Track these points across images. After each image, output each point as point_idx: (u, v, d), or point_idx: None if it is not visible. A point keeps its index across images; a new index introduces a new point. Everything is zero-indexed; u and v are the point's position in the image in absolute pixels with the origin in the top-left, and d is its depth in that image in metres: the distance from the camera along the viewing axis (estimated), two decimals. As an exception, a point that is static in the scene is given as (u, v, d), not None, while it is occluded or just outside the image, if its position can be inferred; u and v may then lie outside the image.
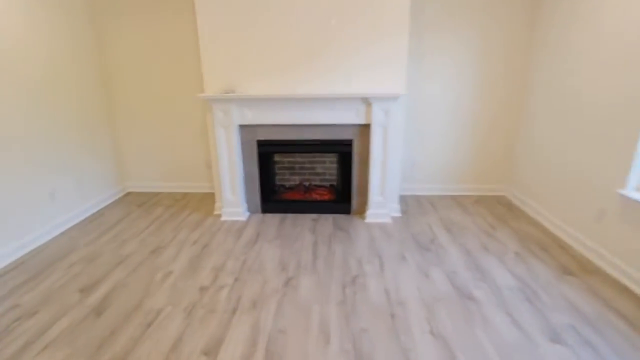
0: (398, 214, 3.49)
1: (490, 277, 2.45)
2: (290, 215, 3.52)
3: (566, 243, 2.90)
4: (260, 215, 3.52)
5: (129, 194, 4.19)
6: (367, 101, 3.07)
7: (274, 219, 3.45)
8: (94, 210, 3.64)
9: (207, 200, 3.96)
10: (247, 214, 3.55)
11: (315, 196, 3.64)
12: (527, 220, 3.35)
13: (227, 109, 3.13)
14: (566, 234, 2.94)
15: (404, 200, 3.84)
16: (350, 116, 3.15)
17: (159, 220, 3.44)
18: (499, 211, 3.58)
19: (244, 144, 3.35)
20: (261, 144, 3.34)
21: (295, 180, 3.83)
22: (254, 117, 3.20)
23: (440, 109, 3.79)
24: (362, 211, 3.51)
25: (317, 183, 3.85)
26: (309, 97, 3.01)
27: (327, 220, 3.39)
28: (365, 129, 3.24)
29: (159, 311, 2.15)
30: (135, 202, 3.92)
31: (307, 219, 3.45)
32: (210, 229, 3.24)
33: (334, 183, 3.83)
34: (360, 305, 2.19)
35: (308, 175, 3.82)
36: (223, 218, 3.45)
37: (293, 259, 2.71)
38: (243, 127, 3.30)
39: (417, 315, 2.10)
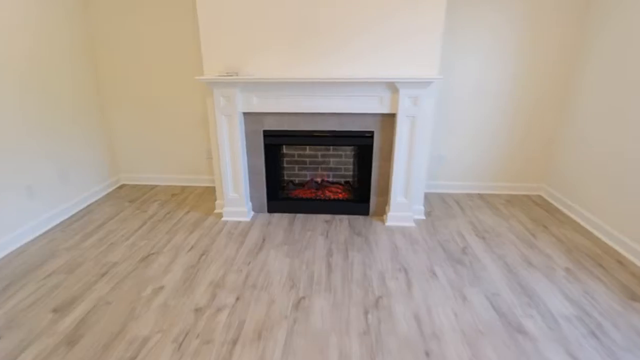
0: (422, 217, 3.08)
1: (540, 302, 2.05)
2: (300, 216, 3.12)
3: (625, 258, 2.47)
4: (266, 216, 3.13)
5: (122, 186, 3.81)
6: (393, 87, 2.61)
7: (281, 220, 3.06)
8: (81, 207, 3.27)
9: (207, 195, 3.57)
10: (252, 213, 3.16)
11: (328, 194, 3.23)
12: (572, 226, 2.92)
13: (229, 94, 2.70)
14: (624, 247, 2.51)
15: (426, 199, 3.42)
16: (372, 104, 2.70)
17: (152, 219, 3.06)
18: (537, 214, 3.15)
19: (248, 135, 2.93)
20: (268, 135, 2.92)
21: (305, 175, 3.42)
22: (260, 103, 2.77)
23: (473, 96, 3.32)
24: (381, 213, 3.10)
25: (331, 180, 3.43)
26: (325, 81, 2.56)
27: (342, 223, 2.99)
28: (389, 119, 2.79)
29: (144, 340, 1.79)
30: (128, 196, 3.55)
31: (319, 220, 3.05)
32: (209, 231, 2.86)
33: (350, 180, 3.41)
34: (386, 338, 1.81)
35: (320, 171, 3.40)
36: (224, 218, 3.06)
37: (304, 272, 2.32)
38: (248, 115, 2.87)
39: (457, 354, 1.71)
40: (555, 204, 3.35)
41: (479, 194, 3.62)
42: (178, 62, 3.39)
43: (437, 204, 3.36)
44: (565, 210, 3.19)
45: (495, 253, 2.53)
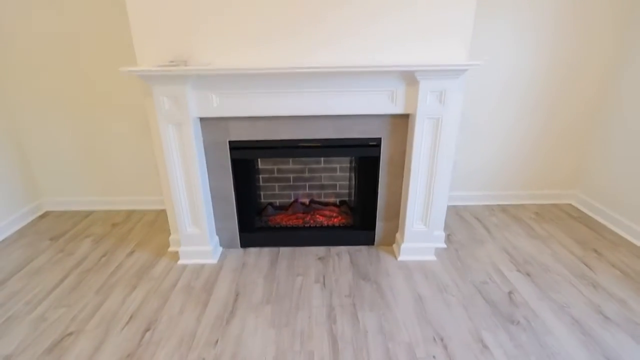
0: (442, 244, 2.39)
1: (648, 390, 1.41)
2: (284, 251, 2.36)
3: None
4: (239, 253, 2.34)
5: (45, 215, 2.89)
6: (410, 78, 1.87)
7: (260, 258, 2.28)
8: (-23, 253, 2.35)
9: (160, 224, 2.73)
10: (220, 250, 2.36)
11: (320, 219, 2.48)
12: (628, 248, 2.33)
13: (176, 93, 1.86)
14: None
15: (441, 217, 2.74)
16: (380, 102, 1.95)
17: (80, 268, 2.20)
18: (579, 232, 2.54)
19: (208, 148, 2.12)
20: (236, 147, 2.12)
21: (288, 196, 2.64)
22: (223, 104, 1.95)
23: (498, 93, 2.64)
24: (390, 241, 2.39)
25: (322, 200, 2.67)
26: (315, 71, 1.78)
27: (341, 259, 2.26)
28: (401, 122, 2.06)
29: None
30: (51, 230, 2.64)
31: (311, 256, 2.30)
32: (160, 285, 2.05)
33: (346, 199, 2.67)
34: None
35: (308, 189, 2.63)
36: (182, 261, 2.25)
37: (299, 356, 1.58)
38: (206, 122, 2.05)
39: None
40: (592, 214, 2.76)
41: (499, 205, 2.98)
42: (113, 51, 2.49)
43: (455, 223, 2.69)
44: (608, 224, 2.61)
45: (553, 301, 1.88)
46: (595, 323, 1.73)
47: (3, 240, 2.51)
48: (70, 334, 1.70)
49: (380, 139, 2.10)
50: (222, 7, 1.79)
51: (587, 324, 1.72)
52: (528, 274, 2.09)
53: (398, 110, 1.97)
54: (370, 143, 2.11)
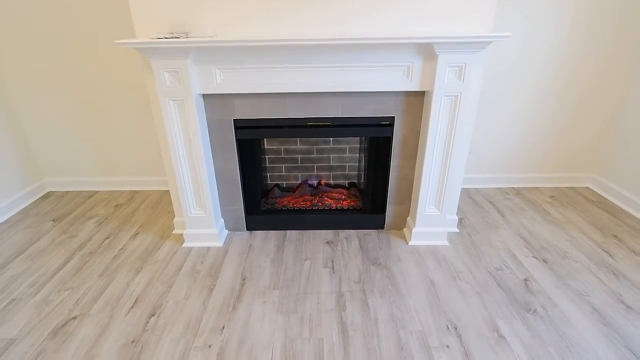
0: (455, 229, 2.31)
1: (674, 385, 1.35)
2: (291, 235, 2.29)
3: None
4: (245, 236, 2.28)
5: (47, 195, 2.84)
6: (428, 51, 1.73)
7: (266, 242, 2.22)
8: (-21, 234, 2.32)
9: (164, 205, 2.67)
10: (225, 233, 2.30)
11: (328, 202, 2.40)
12: (650, 236, 2.23)
13: (177, 67, 1.75)
14: None
15: (453, 200, 2.65)
16: (394, 78, 1.82)
17: (83, 250, 2.15)
18: (597, 216, 2.44)
19: (212, 126, 2.02)
20: (241, 126, 2.01)
21: (296, 178, 2.55)
22: (227, 80, 1.84)
23: (513, 69, 2.48)
24: (400, 225, 2.31)
25: (330, 182, 2.58)
26: (325, 44, 1.65)
27: (350, 244, 2.19)
28: (416, 100, 1.93)
29: None
30: (54, 211, 2.59)
31: (319, 240, 2.23)
32: (165, 268, 2.00)
33: (355, 181, 2.58)
34: None
35: (316, 171, 2.53)
36: (187, 243, 2.19)
37: (307, 343, 1.53)
38: (209, 99, 1.94)
39: None
40: (611, 198, 2.65)
41: (513, 188, 2.88)
42: (112, 24, 2.35)
43: (467, 207, 2.60)
44: (627, 209, 2.50)
45: (571, 289, 1.80)
46: (616, 312, 1.66)
47: (6, 221, 2.47)
48: (74, 318, 1.66)
49: (393, 117, 1.98)
50: (224, -27, 1.65)
51: (607, 314, 1.65)
52: (545, 261, 2.01)
53: (413, 87, 1.84)
54: (383, 122, 1.99)
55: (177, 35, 1.69)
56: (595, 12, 2.33)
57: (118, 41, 1.58)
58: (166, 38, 1.64)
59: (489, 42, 1.63)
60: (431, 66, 1.77)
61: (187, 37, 1.68)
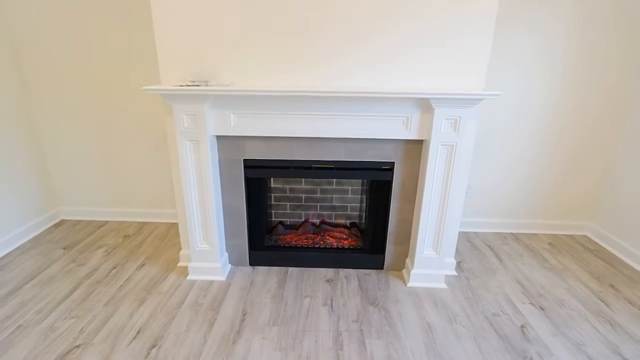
0: (453, 272, 2.36)
1: None
2: (293, 271, 2.35)
3: None
4: (247, 271, 2.34)
5: (60, 223, 2.94)
6: (425, 105, 1.89)
7: (268, 278, 2.28)
8: (-7, 259, 2.40)
9: (171, 238, 2.75)
10: (229, 267, 2.37)
11: (329, 240, 2.47)
12: (647, 287, 2.26)
13: (196, 111, 1.92)
14: None
15: (453, 243, 2.71)
16: (394, 127, 1.97)
17: (90, 279, 2.22)
18: (595, 266, 2.47)
19: (223, 165, 2.15)
20: (250, 166, 2.15)
21: (299, 215, 2.65)
22: (240, 124, 2.00)
23: (509, 116, 2.64)
24: (399, 266, 2.36)
25: (332, 221, 2.68)
26: (332, 95, 1.81)
27: (349, 283, 2.23)
28: (415, 147, 2.07)
29: None
30: (65, 240, 2.68)
31: (319, 278, 2.28)
32: (168, 300, 2.05)
33: (357, 221, 2.67)
34: None
35: (319, 210, 2.64)
36: (191, 276, 2.26)
37: (304, 382, 1.55)
38: (222, 140, 2.10)
39: None
40: (608, 247, 2.69)
41: (512, 233, 2.93)
42: (134, 68, 2.58)
43: (465, 250, 2.65)
44: (625, 259, 2.53)
45: (567, 338, 1.82)
46: (612, 364, 1.66)
47: (18, 248, 2.56)
48: (78, 346, 1.71)
49: (393, 163, 2.11)
50: (239, 31, 1.86)
51: (603, 365, 1.66)
52: (542, 308, 2.04)
53: (412, 136, 1.98)
54: (383, 167, 2.12)
55: (197, 83, 1.87)
56: (585, 66, 2.51)
57: (145, 87, 1.76)
58: (188, 86, 1.82)
59: (481, 99, 1.78)
60: (428, 118, 1.92)
61: (206, 85, 1.86)
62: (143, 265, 2.39)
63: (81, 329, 1.81)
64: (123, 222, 3.01)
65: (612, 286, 2.25)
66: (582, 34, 2.43)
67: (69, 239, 2.71)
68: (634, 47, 2.45)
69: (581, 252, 2.66)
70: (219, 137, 2.09)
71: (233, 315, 1.94)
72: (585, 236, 2.91)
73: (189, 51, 1.90)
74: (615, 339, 1.81)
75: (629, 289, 2.23)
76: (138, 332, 1.81)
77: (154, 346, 1.72)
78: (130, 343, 1.74)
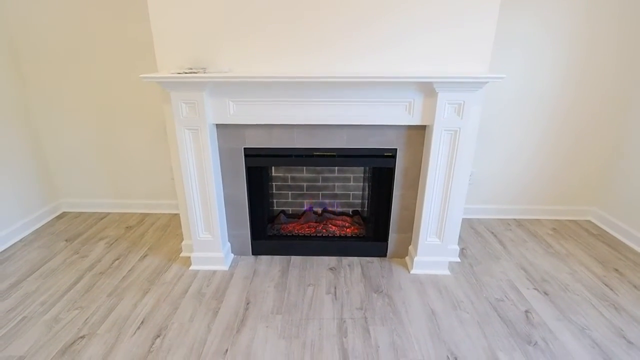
0: (456, 259, 2.35)
1: (675, 423, 1.34)
2: (295, 260, 2.34)
3: None
4: (250, 261, 2.34)
5: (62, 216, 2.94)
6: (428, 89, 1.85)
7: (271, 267, 2.27)
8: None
9: (173, 228, 2.74)
10: (231, 257, 2.36)
11: (332, 229, 2.46)
12: (651, 271, 2.25)
13: (194, 99, 1.88)
14: None
15: (456, 230, 2.69)
16: (397, 113, 1.93)
17: (93, 271, 2.22)
18: (599, 250, 2.46)
19: (223, 154, 2.13)
20: (251, 155, 2.12)
21: (301, 204, 2.63)
22: (240, 112, 1.96)
23: (513, 101, 2.59)
24: (403, 253, 2.35)
25: (335, 209, 2.66)
26: (334, 81, 1.77)
27: (352, 271, 2.23)
28: (418, 133, 2.04)
29: None
30: (67, 232, 2.68)
31: (322, 266, 2.28)
32: (171, 290, 2.05)
33: (359, 209, 2.65)
34: None
35: (321, 198, 2.62)
36: (193, 266, 2.25)
37: (309, 369, 1.55)
38: (222, 128, 2.07)
39: None
40: (612, 232, 2.67)
41: (515, 219, 2.92)
42: (132, 55, 2.54)
43: (469, 237, 2.64)
44: (629, 243, 2.52)
45: (572, 322, 1.81)
46: (617, 347, 1.66)
47: (21, 240, 2.56)
48: (83, 337, 1.71)
49: (395, 149, 2.08)
50: (239, 16, 1.81)
51: (608, 349, 1.65)
52: (546, 293, 2.03)
53: (415, 121, 1.95)
54: (386, 154, 2.09)
55: (195, 71, 1.83)
56: (591, 49, 2.46)
57: (142, 75, 1.72)
58: (185, 73, 1.78)
59: (485, 82, 1.74)
60: (431, 103, 1.88)
61: (204, 72, 1.82)
62: (145, 256, 2.39)
63: (85, 320, 1.82)
64: (124, 213, 3.00)
65: (617, 270, 2.24)
66: (585, 18, 2.37)
67: (71, 231, 2.70)
68: (638, 32, 2.39)
69: (585, 237, 2.65)
70: (218, 126, 2.06)
71: (237, 304, 1.94)
72: (589, 221, 2.89)
73: (186, 38, 1.86)
74: (619, 323, 1.81)
75: (633, 273, 2.22)
76: (142, 322, 1.81)
77: (158, 336, 1.72)
78: (134, 333, 1.74)
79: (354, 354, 1.63)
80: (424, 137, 2.04)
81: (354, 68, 1.89)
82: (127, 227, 2.76)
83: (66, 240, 2.56)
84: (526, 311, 1.89)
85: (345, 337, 1.72)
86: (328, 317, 1.84)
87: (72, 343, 1.68)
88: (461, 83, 1.76)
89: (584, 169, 2.79)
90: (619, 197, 2.65)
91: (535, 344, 1.68)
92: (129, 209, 3.01)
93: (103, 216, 2.94)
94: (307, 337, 1.72)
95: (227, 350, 1.64)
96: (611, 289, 2.06)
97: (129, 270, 2.23)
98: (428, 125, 1.98)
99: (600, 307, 1.92)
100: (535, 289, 2.07)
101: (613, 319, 1.83)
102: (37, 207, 2.76)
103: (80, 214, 2.98)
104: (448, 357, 1.61)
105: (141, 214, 2.99)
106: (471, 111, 1.92)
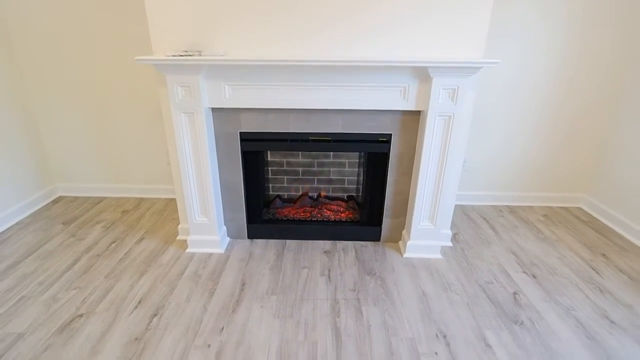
0: (448, 243, 2.39)
1: (651, 396, 1.41)
2: (290, 244, 2.38)
3: None
4: (246, 244, 2.37)
5: (58, 200, 2.95)
6: (423, 74, 1.87)
7: (267, 250, 2.31)
8: (-8, 235, 2.42)
9: (169, 213, 2.76)
10: (227, 240, 2.39)
11: (327, 213, 2.49)
12: (636, 253, 2.30)
13: (190, 82, 1.88)
14: None
15: (449, 215, 2.74)
16: (392, 98, 1.95)
17: (90, 253, 2.25)
18: (588, 236, 2.52)
19: (219, 138, 2.14)
20: (247, 139, 2.14)
21: (297, 189, 2.66)
22: (235, 95, 1.97)
23: (507, 88, 2.61)
24: (396, 238, 2.39)
25: (330, 194, 2.69)
26: (329, 64, 1.78)
27: (346, 254, 2.27)
28: (412, 118, 2.06)
29: None
30: (63, 215, 2.70)
31: (317, 250, 2.32)
32: (168, 272, 2.08)
33: (354, 194, 2.68)
34: None
35: (316, 183, 2.64)
36: (190, 249, 2.28)
37: (302, 346, 1.60)
38: (218, 112, 2.07)
39: None
40: (602, 219, 2.73)
41: (507, 206, 2.97)
42: (127, 40, 2.51)
43: (461, 222, 2.68)
44: (617, 229, 2.58)
45: (558, 303, 1.87)
46: (600, 327, 1.72)
47: (17, 223, 2.57)
48: (81, 315, 1.75)
49: (390, 135, 2.10)
50: (239, 1, 1.81)
51: (592, 328, 1.72)
52: (534, 276, 2.09)
53: (409, 106, 1.96)
54: (380, 139, 2.11)
55: (190, 53, 1.83)
56: (585, 38, 2.47)
57: (137, 57, 1.72)
58: (181, 56, 1.78)
59: (480, 67, 1.76)
60: (426, 88, 1.90)
61: (200, 55, 1.82)
62: (142, 239, 2.41)
63: (83, 299, 1.85)
64: (121, 197, 3.01)
65: (604, 255, 2.30)
66: (581, 5, 2.38)
67: (68, 214, 2.72)
68: (633, 21, 2.40)
69: (575, 223, 2.70)
70: (214, 110, 2.06)
71: (232, 285, 1.98)
72: (579, 208, 2.95)
73: (181, 20, 1.85)
74: (604, 304, 1.87)
75: (619, 257, 2.28)
76: (139, 302, 1.85)
77: (155, 315, 1.76)
78: (132, 312, 1.78)
79: (347, 332, 1.67)
80: (418, 122, 2.06)
81: (350, 53, 1.90)
82: (123, 211, 2.78)
83: (63, 224, 2.58)
84: (514, 293, 1.95)
85: (338, 317, 1.76)
86: (322, 298, 1.89)
87: (71, 321, 1.71)
88: (456, 68, 1.77)
89: (576, 157, 2.83)
90: (609, 185, 2.70)
91: (521, 324, 1.73)
92: (125, 194, 3.03)
93: (99, 200, 2.95)
94: (301, 317, 1.76)
95: (223, 328, 1.69)
96: (597, 272, 2.12)
97: (126, 253, 2.25)
98: (422, 111, 1.99)
99: (586, 290, 1.98)
100: (524, 272, 2.12)
101: (597, 301, 1.89)
102: (32, 191, 2.76)
103: (76, 198, 2.99)
104: (437, 335, 1.66)
105: (137, 198, 3.01)
106: (465, 97, 1.94)
